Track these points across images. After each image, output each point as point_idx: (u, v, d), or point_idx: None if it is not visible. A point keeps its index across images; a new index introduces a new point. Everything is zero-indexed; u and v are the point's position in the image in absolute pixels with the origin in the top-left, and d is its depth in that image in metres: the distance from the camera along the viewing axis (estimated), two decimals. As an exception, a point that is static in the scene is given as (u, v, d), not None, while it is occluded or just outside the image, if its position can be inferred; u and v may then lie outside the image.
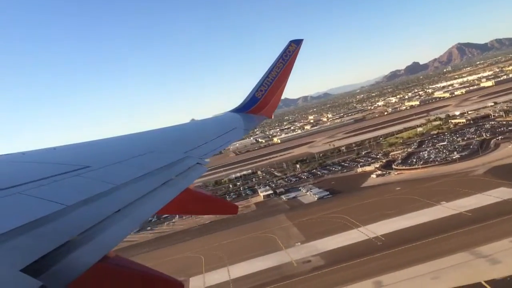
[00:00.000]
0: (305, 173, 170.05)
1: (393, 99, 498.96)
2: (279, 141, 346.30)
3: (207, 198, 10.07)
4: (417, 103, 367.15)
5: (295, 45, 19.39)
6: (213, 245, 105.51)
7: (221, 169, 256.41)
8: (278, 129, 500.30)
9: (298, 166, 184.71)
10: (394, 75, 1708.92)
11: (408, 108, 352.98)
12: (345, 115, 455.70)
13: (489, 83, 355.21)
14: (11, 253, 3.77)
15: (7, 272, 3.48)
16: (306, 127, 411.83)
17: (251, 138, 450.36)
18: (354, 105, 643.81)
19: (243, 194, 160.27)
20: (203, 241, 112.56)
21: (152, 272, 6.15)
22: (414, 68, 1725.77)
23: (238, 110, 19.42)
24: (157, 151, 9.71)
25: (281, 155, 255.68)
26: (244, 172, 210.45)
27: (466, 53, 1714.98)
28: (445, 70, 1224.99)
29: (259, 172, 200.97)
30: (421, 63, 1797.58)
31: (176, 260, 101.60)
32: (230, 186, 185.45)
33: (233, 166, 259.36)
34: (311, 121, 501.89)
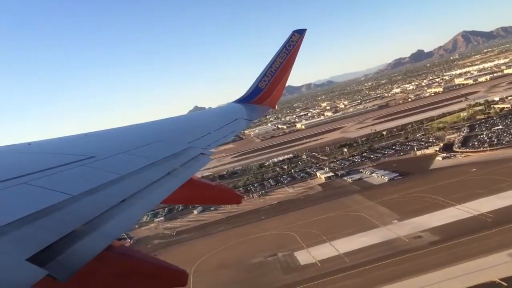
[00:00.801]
0: (355, 157, 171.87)
1: (410, 86, 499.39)
2: (303, 127, 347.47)
3: (211, 187, 10.26)
4: (441, 89, 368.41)
5: (298, 35, 19.44)
6: (299, 223, 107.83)
7: (256, 154, 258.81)
8: (294, 116, 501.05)
9: (345, 150, 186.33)
10: (398, 63, 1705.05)
11: (433, 94, 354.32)
12: (363, 102, 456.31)
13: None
14: (17, 243, 3.83)
15: (13, 261, 3.54)
16: (326, 113, 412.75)
17: (269, 124, 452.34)
18: (367, 92, 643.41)
19: (298, 177, 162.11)
20: (283, 219, 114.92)
21: (156, 261, 6.32)
22: (419, 55, 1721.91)
23: (241, 100, 19.52)
24: (161, 141, 9.96)
25: (315, 140, 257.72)
26: (286, 156, 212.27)
27: (472, 41, 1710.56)
28: (452, 57, 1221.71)
29: (303, 156, 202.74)
30: (425, 50, 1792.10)
31: (266, 237, 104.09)
32: (277, 169, 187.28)
33: (267, 150, 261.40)
34: (327, 108, 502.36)
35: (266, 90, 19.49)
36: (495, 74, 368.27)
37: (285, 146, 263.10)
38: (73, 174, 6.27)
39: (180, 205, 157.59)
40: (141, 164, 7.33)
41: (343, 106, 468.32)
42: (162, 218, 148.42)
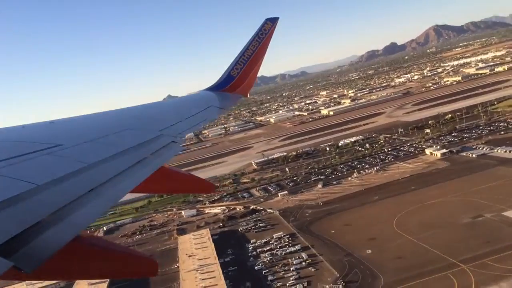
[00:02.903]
0: (445, 137, 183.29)
1: (415, 76, 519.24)
2: (331, 113, 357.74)
3: (183, 176, 10.33)
4: (459, 78, 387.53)
5: (270, 23, 19.72)
6: (465, 192, 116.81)
7: (308, 137, 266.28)
8: (302, 104, 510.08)
9: (427, 131, 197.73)
10: (372, 55, 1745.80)
11: (455, 83, 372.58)
12: (373, 90, 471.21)
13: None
14: None
15: None
16: (344, 101, 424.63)
17: (281, 111, 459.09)
18: (364, 81, 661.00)
19: (401, 155, 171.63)
20: (442, 189, 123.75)
21: (126, 250, 6.40)
22: (392, 48, 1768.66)
23: (213, 88, 19.62)
24: (132, 129, 9.86)
25: (365, 124, 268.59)
26: (356, 138, 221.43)
27: (443, 35, 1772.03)
28: (428, 51, 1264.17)
29: (381, 136, 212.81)
30: (398, 43, 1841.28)
31: (447, 203, 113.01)
32: (359, 149, 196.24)
33: (319, 133, 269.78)
34: (335, 96, 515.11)
35: (238, 78, 19.66)
36: (511, 65, 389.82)
37: (335, 130, 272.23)
38: (39, 162, 6.16)
39: (308, 179, 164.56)
40: (111, 153, 7.29)
41: (351, 94, 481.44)
42: (286, 192, 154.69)
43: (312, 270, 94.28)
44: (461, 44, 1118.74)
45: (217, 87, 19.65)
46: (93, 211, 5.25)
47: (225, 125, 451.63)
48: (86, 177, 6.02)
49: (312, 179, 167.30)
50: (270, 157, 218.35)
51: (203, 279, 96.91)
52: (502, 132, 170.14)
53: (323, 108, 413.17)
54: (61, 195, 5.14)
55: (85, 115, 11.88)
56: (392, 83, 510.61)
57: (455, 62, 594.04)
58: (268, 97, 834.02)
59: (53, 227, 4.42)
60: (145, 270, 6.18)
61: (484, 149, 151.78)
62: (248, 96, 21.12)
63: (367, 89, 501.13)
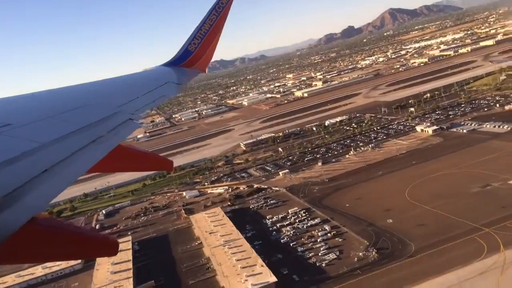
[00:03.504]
0: (430, 114, 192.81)
1: (380, 58, 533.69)
2: (306, 95, 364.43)
3: (141, 154, 10.21)
4: (425, 60, 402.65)
5: None
6: (467, 164, 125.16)
7: (286, 119, 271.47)
8: (272, 86, 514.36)
9: (412, 109, 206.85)
10: (331, 38, 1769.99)
11: (422, 64, 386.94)
12: (342, 73, 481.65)
13: (490, 42, 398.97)
14: None
15: None
16: (315, 83, 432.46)
17: (251, 94, 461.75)
18: (329, 64, 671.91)
19: (392, 133, 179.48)
20: (443, 162, 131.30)
21: (85, 231, 6.27)
22: (350, 32, 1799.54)
23: (170, 64, 19.28)
24: (86, 107, 9.70)
25: (345, 105, 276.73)
26: (341, 118, 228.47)
27: (398, 18, 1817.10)
28: (385, 34, 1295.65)
29: (366, 115, 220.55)
30: (355, 27, 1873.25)
31: (452, 175, 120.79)
32: (347, 128, 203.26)
33: (299, 115, 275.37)
34: (303, 78, 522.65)
35: (196, 53, 19.33)
36: (473, 46, 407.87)
37: (316, 110, 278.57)
38: None
39: (304, 158, 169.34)
40: (65, 131, 7.14)
41: (321, 77, 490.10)
42: (287, 170, 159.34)
43: (340, 240, 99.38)
44: (417, 27, 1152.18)
45: (174, 63, 19.29)
46: (48, 192, 5.09)
47: (196, 109, 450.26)
48: (40, 157, 5.83)
49: (308, 157, 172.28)
50: (258, 139, 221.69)
51: (233, 253, 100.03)
52: (485, 109, 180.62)
53: (295, 90, 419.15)
54: (13, 176, 4.99)
55: (37, 92, 11.27)
56: (359, 65, 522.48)
57: (416, 45, 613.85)
58: (232, 81, 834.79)
59: (7, 210, 4.31)
60: (105, 250, 6.20)
61: (473, 125, 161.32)
62: (207, 72, 20.98)
63: (335, 72, 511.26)
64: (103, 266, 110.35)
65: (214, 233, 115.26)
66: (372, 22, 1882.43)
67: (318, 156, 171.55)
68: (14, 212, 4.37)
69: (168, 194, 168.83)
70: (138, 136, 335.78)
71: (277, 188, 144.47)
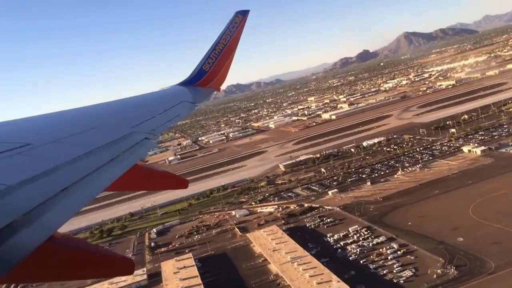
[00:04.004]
0: (473, 135, 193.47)
1: (404, 81, 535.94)
2: (334, 117, 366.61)
3: (157, 173, 10.52)
4: (453, 82, 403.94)
5: (241, 16, 19.73)
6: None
7: (320, 140, 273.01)
8: (295, 109, 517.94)
9: (453, 130, 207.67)
10: (346, 62, 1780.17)
11: (450, 86, 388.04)
12: (365, 95, 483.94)
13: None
14: None
15: None
16: (341, 105, 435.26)
17: (276, 117, 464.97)
18: (348, 87, 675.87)
19: (437, 153, 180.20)
20: (501, 181, 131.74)
21: (101, 250, 6.45)
22: (365, 55, 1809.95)
23: (185, 83, 19.51)
24: (103, 126, 10.02)
25: (378, 127, 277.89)
26: (378, 139, 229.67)
27: (413, 42, 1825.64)
28: (402, 57, 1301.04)
29: (405, 137, 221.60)
30: (370, 51, 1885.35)
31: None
32: (391, 149, 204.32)
33: (332, 136, 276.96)
34: (327, 100, 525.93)
35: (211, 73, 19.59)
36: (501, 69, 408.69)
37: (348, 132, 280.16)
38: (8, 162, 6.09)
39: (349, 178, 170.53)
40: (83, 151, 7.31)
41: (344, 100, 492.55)
42: (336, 190, 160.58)
43: (411, 258, 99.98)
44: (434, 51, 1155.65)
45: (189, 82, 19.59)
46: (66, 211, 5.21)
47: (222, 132, 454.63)
48: (58, 177, 5.96)
49: (354, 177, 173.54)
50: (297, 160, 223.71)
51: (304, 270, 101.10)
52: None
53: (321, 113, 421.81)
54: (33, 195, 5.07)
55: (55, 112, 11.54)
56: (382, 88, 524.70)
57: (438, 68, 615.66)
58: (252, 104, 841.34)
59: (25, 229, 4.36)
60: (122, 269, 6.29)
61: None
62: (223, 95, 23.20)
63: (358, 94, 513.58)
64: (172, 282, 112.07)
65: (278, 251, 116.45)
66: (388, 46, 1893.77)
67: (363, 176, 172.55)
68: (33, 231, 4.42)
69: (216, 213, 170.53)
70: (170, 159, 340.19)
71: (330, 207, 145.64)
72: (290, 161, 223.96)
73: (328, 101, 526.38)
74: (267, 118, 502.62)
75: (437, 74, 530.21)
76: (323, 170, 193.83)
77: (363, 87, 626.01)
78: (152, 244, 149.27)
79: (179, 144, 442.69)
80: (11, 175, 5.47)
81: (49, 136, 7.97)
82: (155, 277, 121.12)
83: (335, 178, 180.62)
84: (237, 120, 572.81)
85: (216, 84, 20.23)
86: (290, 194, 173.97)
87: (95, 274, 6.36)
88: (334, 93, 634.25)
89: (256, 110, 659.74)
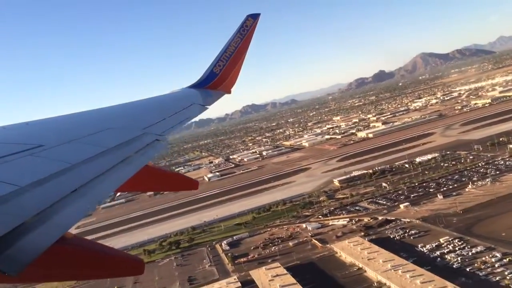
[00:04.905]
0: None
1: (433, 100, 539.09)
2: (371, 136, 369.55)
3: (167, 174, 10.88)
4: (489, 101, 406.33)
5: (252, 19, 19.99)
6: None
7: (366, 157, 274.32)
8: (325, 128, 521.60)
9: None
10: (362, 82, 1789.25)
11: (487, 105, 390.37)
12: (397, 114, 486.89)
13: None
14: None
15: None
16: (374, 124, 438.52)
17: (306, 136, 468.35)
18: (373, 106, 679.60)
19: (503, 168, 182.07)
20: None
21: (112, 251, 6.51)
22: (381, 76, 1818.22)
23: (195, 85, 19.82)
24: (114, 128, 10.28)
25: (424, 144, 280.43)
26: (430, 156, 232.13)
27: (430, 63, 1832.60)
28: (420, 77, 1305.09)
29: (462, 152, 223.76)
30: (386, 71, 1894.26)
31: None
32: (449, 164, 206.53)
33: (376, 154, 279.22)
34: (355, 119, 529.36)
35: (221, 75, 19.94)
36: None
37: (394, 149, 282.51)
38: (21, 164, 6.28)
39: (413, 192, 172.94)
40: (94, 152, 7.54)
41: (374, 119, 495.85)
42: (407, 203, 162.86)
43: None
44: (453, 71, 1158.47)
45: (200, 85, 19.98)
46: (78, 211, 5.33)
47: (254, 150, 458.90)
48: (70, 178, 6.12)
49: (419, 191, 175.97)
50: (350, 175, 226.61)
51: (412, 277, 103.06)
52: None
53: (353, 131, 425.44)
54: (44, 196, 5.22)
55: (67, 114, 11.90)
56: (411, 107, 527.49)
57: (466, 87, 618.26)
58: (274, 124, 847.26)
59: (37, 229, 4.50)
60: (132, 269, 6.42)
61: None
62: (231, 93, 21.24)
63: (388, 113, 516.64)
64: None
65: (373, 260, 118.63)
66: (404, 66, 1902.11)
67: (430, 190, 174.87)
68: (45, 231, 4.55)
69: (285, 226, 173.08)
70: (209, 176, 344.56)
71: (407, 220, 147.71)
72: (344, 176, 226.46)
73: (357, 120, 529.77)
74: (297, 137, 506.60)
75: (467, 93, 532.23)
76: (384, 184, 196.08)
77: (389, 106, 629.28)
78: (229, 255, 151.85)
79: (210, 162, 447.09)
80: (23, 176, 5.67)
81: (61, 138, 8.14)
82: (246, 284, 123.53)
83: (399, 192, 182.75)
84: (264, 139, 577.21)
85: (226, 86, 20.61)
86: (356, 207, 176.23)
87: (105, 274, 6.57)
88: (360, 112, 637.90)
89: (281, 130, 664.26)
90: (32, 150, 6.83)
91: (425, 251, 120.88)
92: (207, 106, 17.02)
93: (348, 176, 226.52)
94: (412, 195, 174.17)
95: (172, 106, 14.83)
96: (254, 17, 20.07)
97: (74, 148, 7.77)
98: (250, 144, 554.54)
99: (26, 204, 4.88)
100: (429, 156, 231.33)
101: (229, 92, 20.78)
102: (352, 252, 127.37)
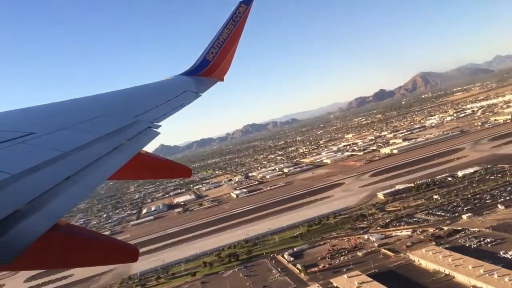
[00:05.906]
0: None
1: (447, 117, 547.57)
2: (395, 152, 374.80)
3: (160, 162, 10.62)
4: (509, 117, 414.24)
5: (245, 6, 19.89)
6: None
7: (398, 172, 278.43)
8: (341, 146, 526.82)
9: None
10: (363, 101, 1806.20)
11: (508, 121, 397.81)
12: (414, 131, 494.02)
13: None
14: None
15: None
16: (394, 140, 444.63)
17: (324, 153, 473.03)
18: (384, 124, 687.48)
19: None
20: None
21: (106, 238, 6.57)
22: (381, 95, 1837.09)
23: (188, 73, 19.85)
24: (106, 115, 10.32)
25: (458, 159, 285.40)
26: (472, 170, 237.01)
27: (430, 81, 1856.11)
28: (423, 96, 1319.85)
29: (505, 166, 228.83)
30: (387, 90, 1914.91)
31: None
32: (496, 177, 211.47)
33: (409, 169, 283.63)
34: (370, 137, 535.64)
35: (214, 62, 19.95)
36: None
37: (426, 164, 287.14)
38: (12, 151, 6.28)
39: (468, 204, 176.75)
40: (86, 140, 7.54)
41: (391, 136, 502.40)
42: (470, 214, 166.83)
43: None
44: (455, 89, 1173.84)
45: (193, 72, 19.98)
46: (70, 199, 5.38)
47: (273, 167, 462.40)
48: (62, 165, 6.18)
49: (477, 203, 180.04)
50: (395, 189, 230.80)
51: (510, 280, 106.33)
52: None
53: (373, 148, 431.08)
54: (37, 183, 5.28)
55: (58, 102, 11.89)
56: (426, 125, 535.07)
57: (477, 104, 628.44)
58: (281, 142, 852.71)
59: (30, 217, 4.53)
60: (126, 256, 6.43)
61: None
62: (224, 80, 21.10)
63: (405, 130, 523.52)
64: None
65: (460, 266, 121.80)
66: (404, 85, 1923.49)
67: (487, 201, 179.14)
68: (38, 219, 4.61)
69: (345, 238, 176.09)
70: (236, 192, 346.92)
71: (476, 229, 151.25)
72: (389, 190, 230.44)
73: (372, 137, 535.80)
74: (314, 154, 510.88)
75: (481, 110, 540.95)
76: (436, 197, 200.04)
77: (401, 124, 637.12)
78: (299, 265, 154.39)
79: (230, 180, 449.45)
80: (15, 164, 5.72)
81: (53, 126, 8.18)
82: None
83: (454, 204, 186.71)
84: (277, 157, 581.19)
85: (219, 74, 20.55)
86: (415, 219, 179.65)
87: (99, 261, 6.59)
88: (372, 130, 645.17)
89: (292, 148, 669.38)
90: (24, 138, 6.87)
91: (509, 257, 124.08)
92: (200, 94, 16.91)
93: (392, 189, 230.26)
94: (469, 206, 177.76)
95: (165, 93, 14.94)
96: (247, 3, 19.90)
97: (66, 135, 7.83)
98: (265, 162, 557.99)
99: (18, 192, 4.95)
100: (471, 170, 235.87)
101: (222, 80, 20.75)
102: (433, 259, 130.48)
